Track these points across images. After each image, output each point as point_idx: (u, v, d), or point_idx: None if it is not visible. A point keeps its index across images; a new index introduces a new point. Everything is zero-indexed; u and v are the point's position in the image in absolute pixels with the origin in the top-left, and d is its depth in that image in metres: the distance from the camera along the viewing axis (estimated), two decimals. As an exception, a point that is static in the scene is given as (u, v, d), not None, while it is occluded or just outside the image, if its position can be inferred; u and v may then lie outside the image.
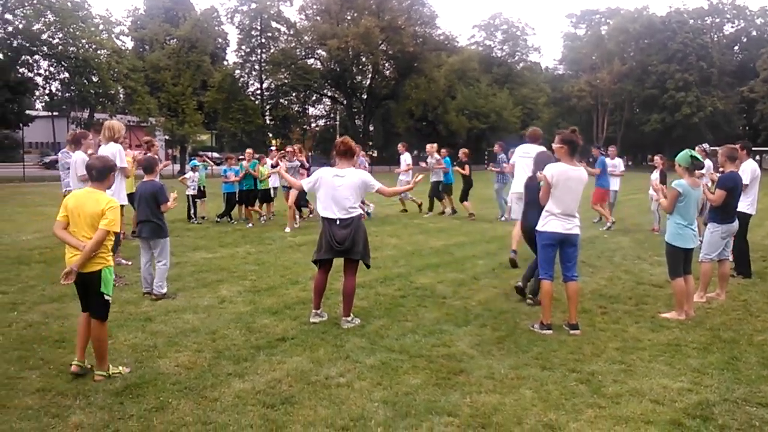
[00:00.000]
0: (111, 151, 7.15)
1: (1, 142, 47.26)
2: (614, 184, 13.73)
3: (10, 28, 29.65)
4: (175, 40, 37.24)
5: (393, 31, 44.31)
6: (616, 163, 13.87)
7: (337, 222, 5.50)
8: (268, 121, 44.72)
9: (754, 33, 75.07)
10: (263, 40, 43.57)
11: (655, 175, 13.37)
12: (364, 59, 46.76)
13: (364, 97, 49.29)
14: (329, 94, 51.04)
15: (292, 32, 44.82)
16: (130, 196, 8.12)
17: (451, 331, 5.58)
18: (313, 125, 58.38)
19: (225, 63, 46.93)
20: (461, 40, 62.37)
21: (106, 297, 4.28)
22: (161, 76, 33.92)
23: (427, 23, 48.00)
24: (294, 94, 47.34)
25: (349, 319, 5.67)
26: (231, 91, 40.92)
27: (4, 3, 28.70)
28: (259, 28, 42.91)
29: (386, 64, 47.00)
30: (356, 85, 49.67)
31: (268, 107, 45.70)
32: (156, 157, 7.56)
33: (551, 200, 5.57)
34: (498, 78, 66.29)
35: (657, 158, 13.32)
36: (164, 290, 6.48)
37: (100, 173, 4.27)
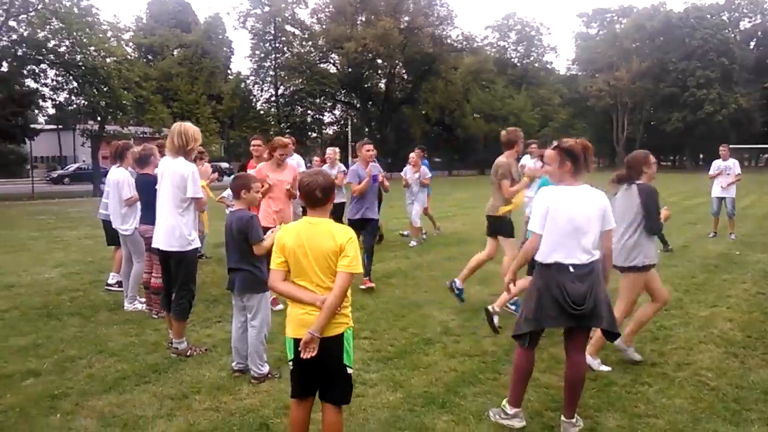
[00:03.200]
0: (181, 171, 4.91)
1: (6, 157, 45.30)
2: (730, 191, 11.73)
3: (14, 36, 27.77)
4: (179, 48, 35.46)
5: (411, 33, 42.41)
6: (730, 165, 11.80)
7: (571, 269, 3.53)
8: (284, 129, 42.75)
9: (772, 27, 73.17)
10: (278, 45, 41.70)
11: None
12: (380, 62, 44.86)
13: (380, 101, 47.38)
14: (345, 99, 49.11)
15: (306, 35, 42.93)
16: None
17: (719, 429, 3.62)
18: (324, 132, 56.48)
19: (229, 72, 45.14)
20: (467, 42, 60.26)
21: (350, 370, 3.06)
22: (174, 84, 32.06)
23: (445, 23, 46.11)
24: (310, 100, 45.37)
25: (574, 420, 3.68)
26: (245, 99, 39.05)
27: (7, 9, 26.84)
28: (272, 32, 41.06)
29: (403, 67, 45.06)
30: (372, 90, 47.72)
31: (284, 114, 43.75)
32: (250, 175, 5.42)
33: None
34: (513, 79, 64.33)
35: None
36: (266, 369, 4.50)
37: (326, 193, 2.98)
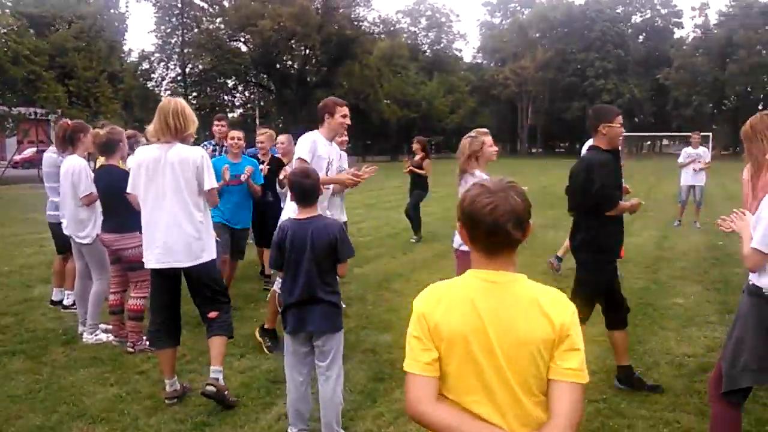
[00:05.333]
0: (192, 157, 3.68)
1: None
2: (698, 178, 11.58)
3: None
4: (74, 20, 31.90)
5: (328, 12, 40.84)
6: (700, 153, 11.67)
7: None
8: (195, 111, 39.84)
9: (659, 23, 77.91)
10: (185, 20, 38.68)
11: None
12: (294, 44, 42.95)
13: (295, 84, 45.53)
14: (257, 81, 46.71)
15: (216, 10, 40.20)
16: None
17: None
18: (230, 115, 53.67)
19: (122, 49, 41.58)
20: (383, 25, 59.32)
21: None
22: (69, 60, 28.71)
23: (362, 4, 44.91)
24: (220, 81, 42.71)
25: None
26: (148, 77, 35.98)
27: None
28: (179, 5, 38.01)
29: (320, 49, 43.35)
30: (286, 72, 45.68)
31: (193, 94, 40.85)
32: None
33: None
34: (424, 66, 64.31)
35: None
36: (343, 438, 3.30)
37: (526, 221, 1.59)
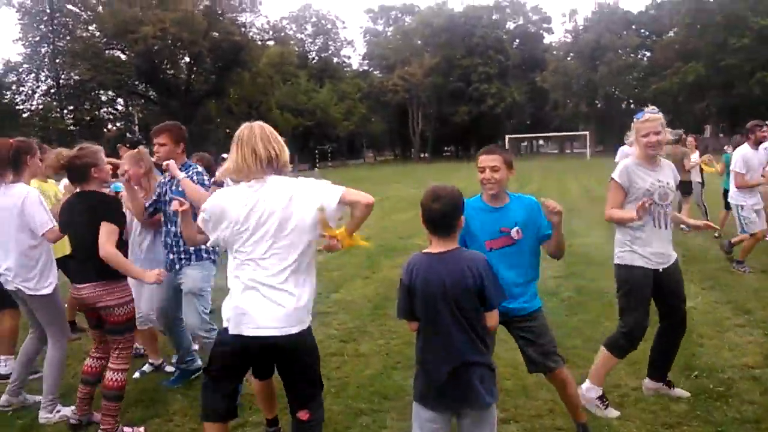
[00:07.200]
0: (304, 195, 2.67)
1: None
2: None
3: None
4: None
5: (214, 17, 38.98)
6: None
7: None
8: (68, 127, 36.34)
9: (531, 29, 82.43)
10: (56, 27, 35.21)
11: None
12: (179, 52, 40.62)
13: (181, 94, 43.09)
14: (140, 91, 43.66)
15: (90, 16, 36.98)
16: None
17: None
18: (107, 130, 49.80)
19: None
20: (272, 32, 57.93)
21: None
22: None
23: (250, 9, 43.39)
24: (98, 92, 39.37)
25: None
26: (15, 90, 32.34)
27: None
28: (48, 11, 34.56)
29: (208, 57, 41.25)
30: (171, 81, 43.04)
31: (69, 107, 37.33)
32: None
33: None
34: (314, 73, 63.56)
35: (691, 138, 11.45)
36: None
37: None
